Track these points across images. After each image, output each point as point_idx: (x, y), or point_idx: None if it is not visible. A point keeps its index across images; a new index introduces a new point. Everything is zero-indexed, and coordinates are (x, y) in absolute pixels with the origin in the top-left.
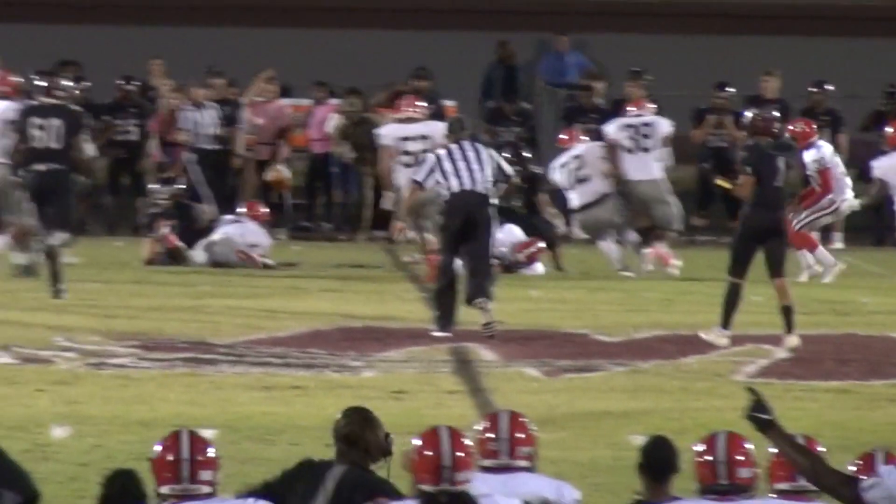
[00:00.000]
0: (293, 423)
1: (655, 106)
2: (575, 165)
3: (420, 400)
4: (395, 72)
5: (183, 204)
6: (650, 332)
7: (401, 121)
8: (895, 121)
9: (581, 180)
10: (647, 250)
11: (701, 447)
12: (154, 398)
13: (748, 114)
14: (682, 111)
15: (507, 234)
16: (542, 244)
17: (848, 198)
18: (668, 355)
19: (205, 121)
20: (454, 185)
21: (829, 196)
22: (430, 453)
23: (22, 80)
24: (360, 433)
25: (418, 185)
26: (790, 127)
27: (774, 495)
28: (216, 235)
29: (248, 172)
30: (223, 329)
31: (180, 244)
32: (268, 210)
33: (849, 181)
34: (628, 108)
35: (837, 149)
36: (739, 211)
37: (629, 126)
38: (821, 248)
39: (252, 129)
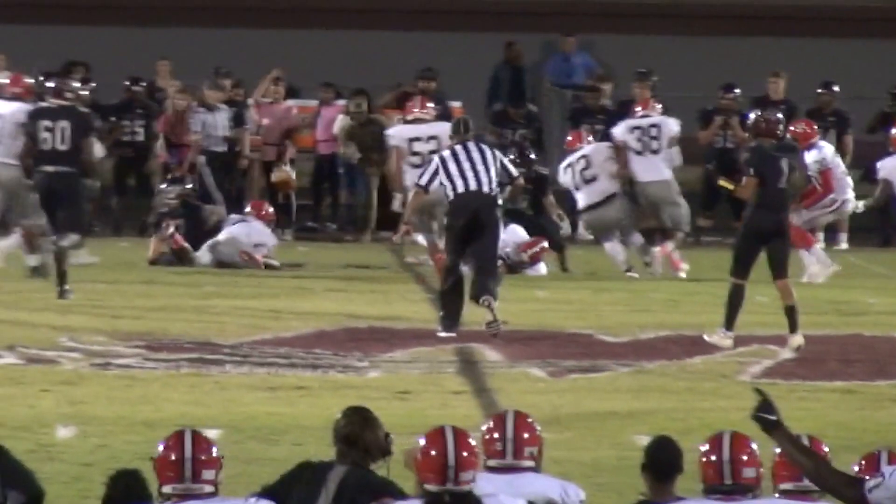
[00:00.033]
0: (297, 424)
1: (661, 106)
2: (581, 166)
3: (425, 400)
4: (401, 73)
5: (191, 204)
6: (655, 333)
7: (409, 122)
8: None
9: (588, 180)
10: (656, 249)
11: (706, 447)
12: (159, 398)
13: (752, 115)
14: (689, 112)
15: (511, 235)
16: (546, 244)
17: (849, 197)
18: (674, 356)
19: (216, 123)
20: (459, 186)
21: (831, 196)
22: (435, 453)
23: (33, 81)
24: (359, 433)
25: (422, 188)
26: (791, 128)
27: (779, 495)
28: (221, 236)
29: (254, 173)
30: (228, 329)
31: (186, 245)
32: (273, 210)
33: (850, 181)
34: (635, 109)
35: (843, 150)
36: (743, 212)
37: (637, 128)
38: (816, 248)
39: (258, 129)
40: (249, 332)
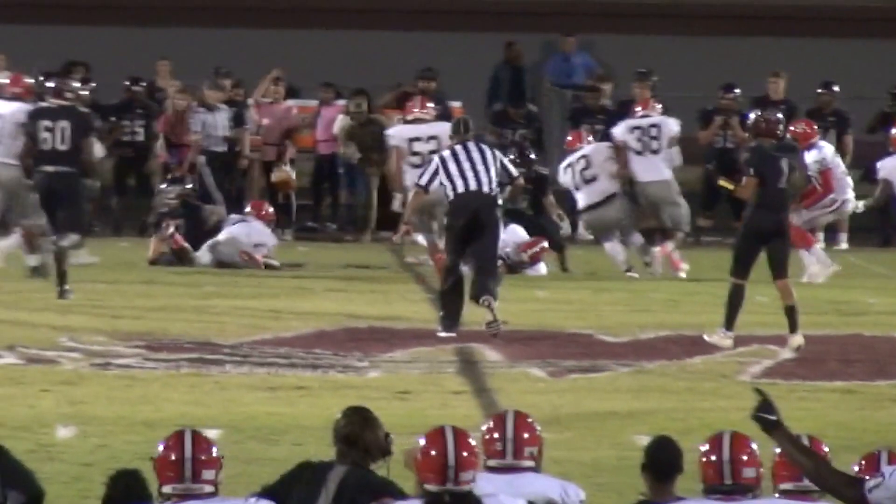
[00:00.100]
0: (297, 424)
1: (661, 106)
2: (581, 166)
3: (425, 400)
4: (401, 73)
5: (191, 204)
6: (655, 333)
7: (409, 122)
8: None
9: (588, 180)
10: (656, 249)
11: (706, 447)
12: (159, 398)
13: (751, 115)
14: (689, 112)
15: (511, 234)
16: (546, 244)
17: (849, 197)
18: (674, 356)
19: (216, 123)
20: (459, 186)
21: (831, 196)
22: (435, 453)
23: (33, 81)
24: (359, 433)
25: (421, 188)
26: (791, 128)
27: (778, 495)
28: (221, 236)
29: (254, 173)
30: (228, 329)
31: (186, 245)
32: (273, 210)
33: (850, 181)
34: (635, 109)
35: (843, 150)
36: (743, 212)
37: (637, 128)
38: (816, 248)
39: (258, 129)
40: (249, 332)
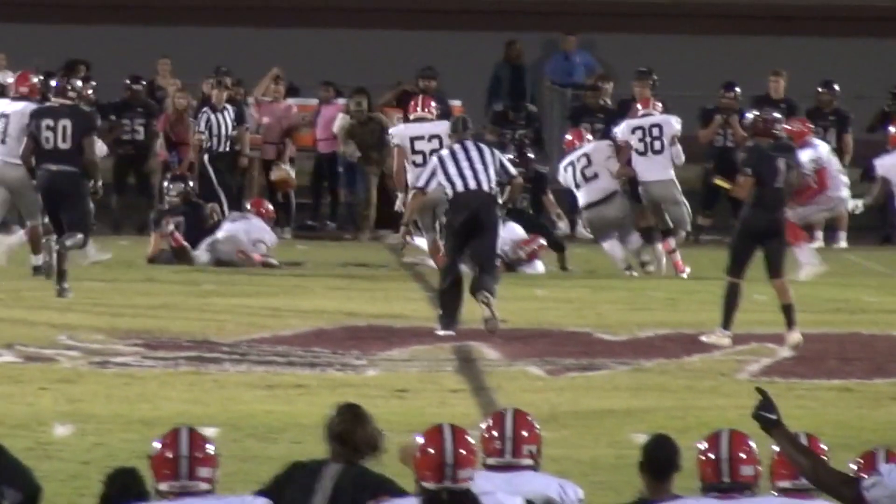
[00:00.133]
0: (296, 422)
1: (662, 105)
2: (583, 164)
3: (423, 399)
4: (401, 72)
5: (192, 202)
6: (654, 331)
7: (412, 121)
8: None
9: (589, 178)
10: (658, 245)
11: (704, 445)
12: (157, 397)
13: (749, 115)
14: (689, 111)
15: (509, 232)
16: (543, 241)
17: (844, 195)
18: (672, 354)
19: (221, 123)
20: (459, 185)
21: (826, 193)
22: (433, 451)
23: (39, 79)
24: (352, 430)
25: (420, 190)
26: (786, 126)
27: (776, 493)
28: (220, 233)
29: (253, 172)
30: (227, 328)
31: (185, 244)
32: (273, 208)
33: (845, 179)
34: (636, 108)
35: (843, 149)
36: (739, 211)
37: (638, 128)
38: (806, 245)
39: (258, 128)
40: (248, 330)
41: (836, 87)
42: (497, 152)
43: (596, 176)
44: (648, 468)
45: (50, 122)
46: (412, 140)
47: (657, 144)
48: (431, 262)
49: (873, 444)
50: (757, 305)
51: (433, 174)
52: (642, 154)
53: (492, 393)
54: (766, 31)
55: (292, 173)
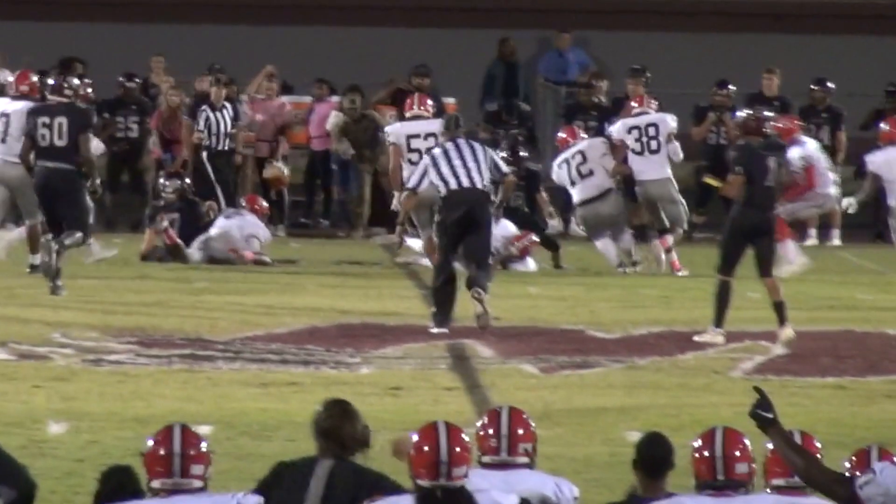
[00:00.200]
0: (289, 420)
1: (657, 102)
2: (578, 161)
3: (417, 396)
4: (395, 69)
5: (188, 199)
6: (647, 329)
7: (408, 119)
8: (891, 117)
9: (584, 175)
10: (655, 242)
11: (698, 443)
12: (151, 394)
13: (740, 113)
14: (683, 109)
15: (501, 228)
16: (535, 237)
17: (832, 193)
18: (666, 352)
19: (220, 121)
20: (452, 183)
21: (815, 190)
22: (428, 448)
23: (37, 77)
24: (339, 426)
25: (411, 191)
26: (774, 123)
27: (770, 491)
28: (213, 230)
29: (247, 169)
30: (221, 325)
31: (179, 241)
32: (268, 205)
33: (834, 176)
34: (631, 105)
35: (837, 147)
36: (730, 209)
37: (634, 127)
38: (791, 242)
39: (252, 125)
40: (241, 328)
41: (830, 84)
42: (489, 150)
43: (591, 173)
44: (642, 466)
45: (46, 119)
46: (408, 138)
47: (654, 144)
48: (425, 262)
49: (867, 442)
50: (750, 303)
51: (424, 173)
52: (639, 154)
53: (486, 391)
54: (759, 29)
55: (285, 171)
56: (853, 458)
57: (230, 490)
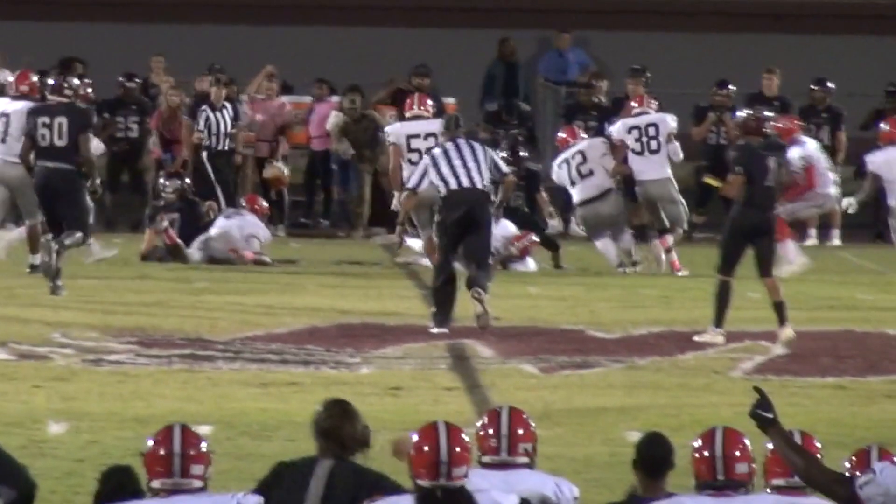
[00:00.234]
0: (290, 420)
1: (657, 102)
2: (578, 161)
3: (417, 396)
4: (395, 69)
5: (188, 200)
6: (647, 329)
7: (408, 119)
8: (891, 117)
9: (584, 175)
10: (656, 242)
11: (698, 443)
12: (151, 394)
13: (740, 113)
14: (683, 109)
15: (501, 228)
16: (535, 237)
17: (833, 192)
18: (666, 352)
19: (220, 121)
20: (452, 183)
21: (815, 190)
22: (428, 448)
23: (37, 77)
24: (339, 426)
25: (411, 191)
26: (774, 123)
27: (770, 491)
28: (213, 230)
29: (247, 169)
30: (220, 325)
31: (179, 241)
32: (268, 205)
33: (834, 176)
34: (631, 105)
35: (837, 147)
36: (730, 209)
37: (634, 127)
38: (791, 242)
39: (252, 125)
40: (241, 328)
41: (830, 84)
42: (489, 150)
43: (591, 173)
44: (642, 466)
45: (46, 119)
46: (408, 138)
47: (654, 144)
48: (425, 262)
49: (867, 442)
50: (750, 303)
51: (424, 173)
52: (639, 154)
53: (485, 391)
54: (759, 29)
55: (285, 171)
56: (853, 458)
57: (230, 490)
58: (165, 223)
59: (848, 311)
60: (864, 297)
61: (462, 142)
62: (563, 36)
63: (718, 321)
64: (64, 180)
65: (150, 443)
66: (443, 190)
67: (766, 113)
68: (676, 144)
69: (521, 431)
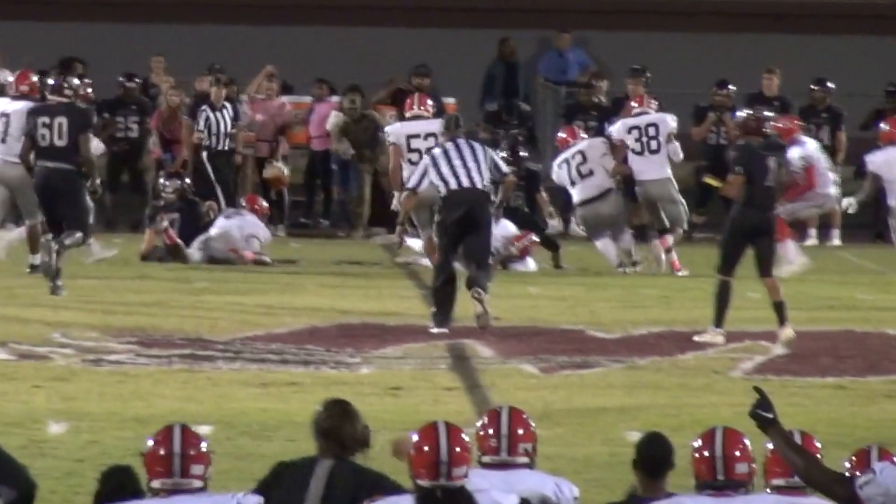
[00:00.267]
0: (289, 420)
1: (657, 102)
2: (578, 161)
3: (417, 396)
4: (395, 69)
5: (189, 200)
6: (647, 329)
7: (408, 119)
8: (891, 117)
9: (584, 175)
10: (656, 242)
11: (698, 443)
12: (151, 394)
13: (740, 113)
14: (683, 109)
15: (500, 228)
16: (535, 237)
17: (832, 193)
18: (666, 352)
19: (220, 121)
20: (452, 183)
21: (815, 190)
22: (428, 448)
23: (37, 77)
24: (339, 426)
25: (411, 191)
26: (774, 123)
27: (770, 491)
28: (213, 230)
29: (247, 169)
30: (220, 325)
31: (179, 241)
32: (268, 205)
33: (834, 176)
34: (631, 105)
35: (837, 147)
36: (730, 209)
37: (634, 127)
38: (791, 242)
39: (252, 125)
40: (241, 328)
41: (830, 84)
42: (489, 150)
43: (591, 173)
44: (642, 466)
45: (46, 119)
46: (408, 138)
47: (654, 144)
48: (425, 262)
49: (867, 442)
50: (751, 303)
51: (424, 174)
52: (639, 154)
53: (485, 391)
54: (759, 29)
55: (285, 171)
56: (853, 458)
57: (230, 490)
58: (165, 223)
59: (848, 311)
60: (864, 297)
61: (462, 142)
62: (563, 36)
63: (718, 321)
64: (64, 180)
65: (150, 443)
66: (443, 190)
67: (766, 113)
68: (676, 144)
69: (521, 431)
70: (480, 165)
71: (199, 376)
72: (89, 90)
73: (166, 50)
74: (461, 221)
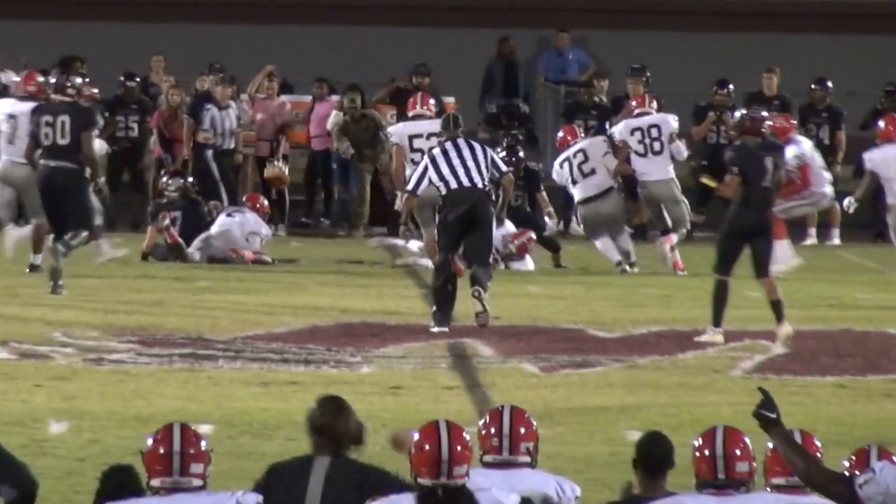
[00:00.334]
0: (290, 419)
1: (657, 101)
2: (579, 160)
3: (417, 395)
4: (395, 68)
5: (191, 198)
6: (647, 328)
7: (410, 118)
8: (889, 116)
9: (586, 174)
10: (659, 240)
11: (699, 442)
12: (152, 394)
13: (737, 114)
14: (683, 109)
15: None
16: (533, 235)
17: (827, 191)
18: (666, 351)
19: (225, 119)
20: (452, 183)
21: (810, 189)
22: (429, 447)
23: (43, 78)
24: (333, 423)
25: (411, 193)
26: (769, 122)
27: (770, 490)
28: (214, 229)
29: (247, 169)
30: (221, 324)
31: (180, 240)
32: (269, 204)
33: (828, 175)
34: (631, 104)
35: (836, 146)
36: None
37: (637, 129)
38: (785, 241)
39: (252, 125)
40: (242, 327)
41: (830, 83)
42: (489, 149)
43: (593, 172)
44: (642, 465)
45: (49, 118)
46: (411, 138)
47: (656, 145)
48: (425, 262)
49: (866, 441)
50: (749, 302)
51: (423, 175)
52: (642, 155)
53: (486, 390)
54: (759, 28)
55: (285, 170)
56: (853, 457)
57: (230, 489)
58: (167, 221)
59: (848, 310)
60: (864, 297)
61: (461, 141)
62: (562, 35)
63: (717, 321)
64: (67, 179)
65: (150, 441)
66: (443, 190)
67: (763, 113)
68: (679, 143)
69: (522, 430)
70: (480, 165)
71: (199, 375)
72: (94, 90)
73: (166, 49)
74: (462, 221)
